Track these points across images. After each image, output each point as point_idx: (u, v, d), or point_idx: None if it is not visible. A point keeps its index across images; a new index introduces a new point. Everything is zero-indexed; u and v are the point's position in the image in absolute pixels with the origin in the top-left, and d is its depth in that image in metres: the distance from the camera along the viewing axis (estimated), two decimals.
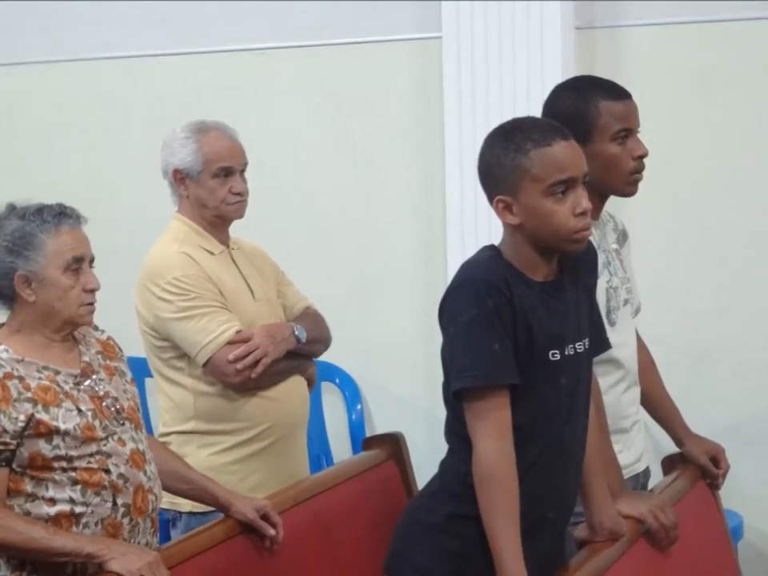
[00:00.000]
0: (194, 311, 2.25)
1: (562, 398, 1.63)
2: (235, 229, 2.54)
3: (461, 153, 3.41)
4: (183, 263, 2.31)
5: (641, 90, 2.35)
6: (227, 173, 2.36)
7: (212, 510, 2.04)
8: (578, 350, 1.66)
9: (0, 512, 1.63)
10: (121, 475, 1.74)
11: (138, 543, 1.77)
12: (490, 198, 1.63)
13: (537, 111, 2.05)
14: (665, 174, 3.26)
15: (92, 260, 1.83)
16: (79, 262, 1.77)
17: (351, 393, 3.74)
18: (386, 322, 3.79)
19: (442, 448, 1.78)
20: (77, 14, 4.34)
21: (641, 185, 2.04)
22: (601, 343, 1.80)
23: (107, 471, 1.72)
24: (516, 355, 1.56)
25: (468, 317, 1.54)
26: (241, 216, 2.45)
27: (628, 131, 1.96)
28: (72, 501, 1.70)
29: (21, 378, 1.70)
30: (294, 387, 2.45)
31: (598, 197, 1.94)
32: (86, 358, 1.85)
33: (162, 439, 2.34)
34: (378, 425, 3.73)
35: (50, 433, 1.68)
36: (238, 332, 2.27)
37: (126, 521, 1.75)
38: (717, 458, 2.27)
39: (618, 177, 1.97)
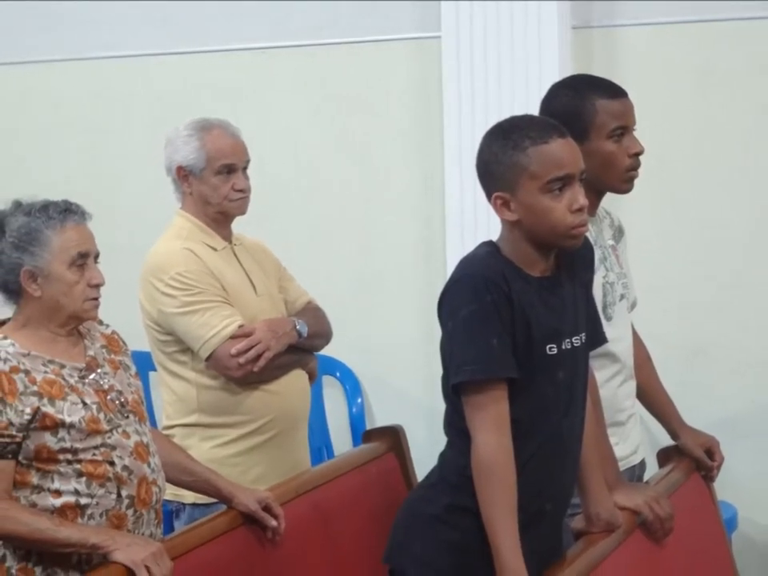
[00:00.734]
0: (197, 306, 2.26)
1: (560, 391, 1.64)
2: (236, 227, 2.54)
3: (460, 152, 3.41)
4: (186, 259, 2.31)
5: (637, 89, 2.34)
6: (230, 170, 2.36)
7: (215, 501, 2.04)
8: (575, 345, 1.67)
9: (6, 503, 1.64)
10: (125, 467, 1.74)
11: (142, 534, 1.78)
12: (489, 195, 1.63)
13: (534, 110, 2.04)
14: (661, 172, 3.27)
15: (97, 256, 1.84)
16: (84, 258, 1.78)
17: (352, 386, 3.74)
18: (385, 319, 3.79)
19: (441, 441, 1.78)
20: (76, 14, 4.32)
21: (637, 182, 2.05)
22: (597, 338, 1.81)
23: (112, 463, 1.73)
24: (514, 350, 1.56)
25: (467, 312, 1.55)
26: (243, 212, 2.46)
27: (624, 129, 1.96)
28: (77, 492, 1.70)
29: (27, 372, 1.70)
30: (296, 381, 2.45)
31: (595, 194, 1.94)
32: (90, 352, 1.85)
33: (165, 432, 2.34)
34: (378, 418, 3.74)
35: (56, 426, 1.68)
36: (240, 326, 2.27)
37: (130, 512, 1.76)
38: (711, 451, 2.28)
39: (614, 174, 1.98)
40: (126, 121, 4.33)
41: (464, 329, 1.57)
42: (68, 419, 1.69)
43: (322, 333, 2.55)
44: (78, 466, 1.70)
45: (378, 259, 3.85)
